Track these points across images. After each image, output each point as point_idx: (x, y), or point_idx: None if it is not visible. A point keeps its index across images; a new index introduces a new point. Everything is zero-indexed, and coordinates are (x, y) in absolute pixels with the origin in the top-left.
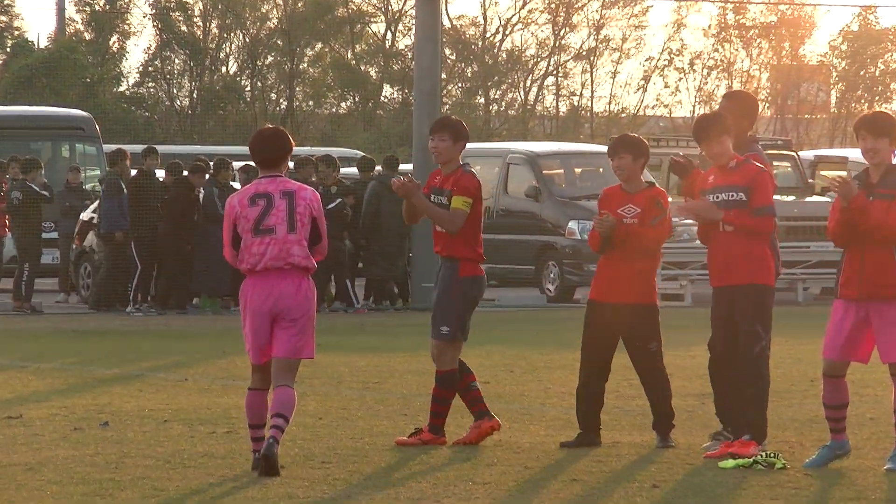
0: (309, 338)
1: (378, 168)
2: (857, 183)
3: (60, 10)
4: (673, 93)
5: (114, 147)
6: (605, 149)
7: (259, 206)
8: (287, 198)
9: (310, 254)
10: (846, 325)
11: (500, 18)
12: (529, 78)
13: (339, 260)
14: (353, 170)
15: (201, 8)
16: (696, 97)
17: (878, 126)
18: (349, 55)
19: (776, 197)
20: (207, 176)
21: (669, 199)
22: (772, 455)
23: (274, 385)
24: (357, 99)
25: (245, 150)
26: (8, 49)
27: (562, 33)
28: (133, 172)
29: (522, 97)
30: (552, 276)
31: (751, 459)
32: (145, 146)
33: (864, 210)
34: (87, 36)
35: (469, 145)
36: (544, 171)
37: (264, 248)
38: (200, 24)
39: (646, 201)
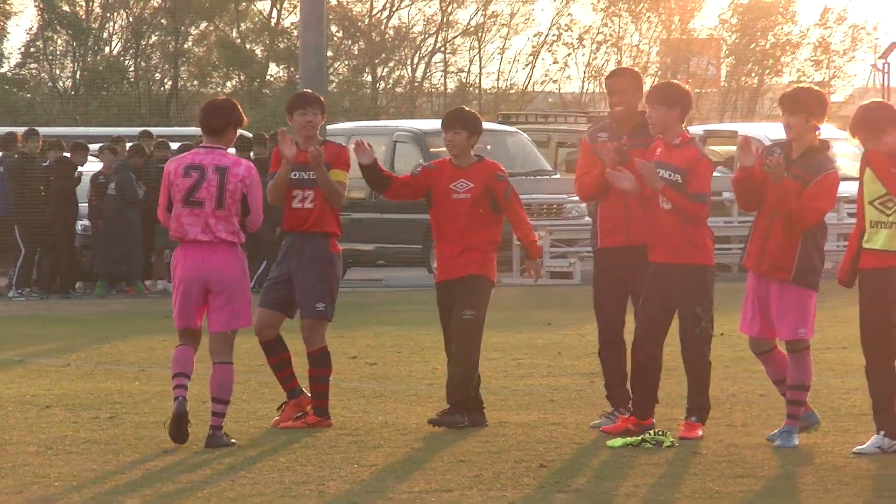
0: (240, 308)
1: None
2: (778, 152)
3: None
4: (562, 68)
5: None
6: (494, 126)
7: (192, 178)
8: (219, 173)
9: (238, 228)
10: (755, 300)
11: None
12: (417, 55)
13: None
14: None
15: None
16: (585, 72)
17: (790, 102)
18: (234, 34)
19: None
20: (121, 161)
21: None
22: (660, 433)
23: (212, 362)
24: (243, 78)
25: (128, 130)
26: None
27: (449, 9)
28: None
29: (410, 74)
30: None
31: (639, 438)
32: (26, 128)
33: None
34: None
35: (356, 123)
36: (431, 149)
37: (193, 219)
38: (83, 3)
39: (482, 176)
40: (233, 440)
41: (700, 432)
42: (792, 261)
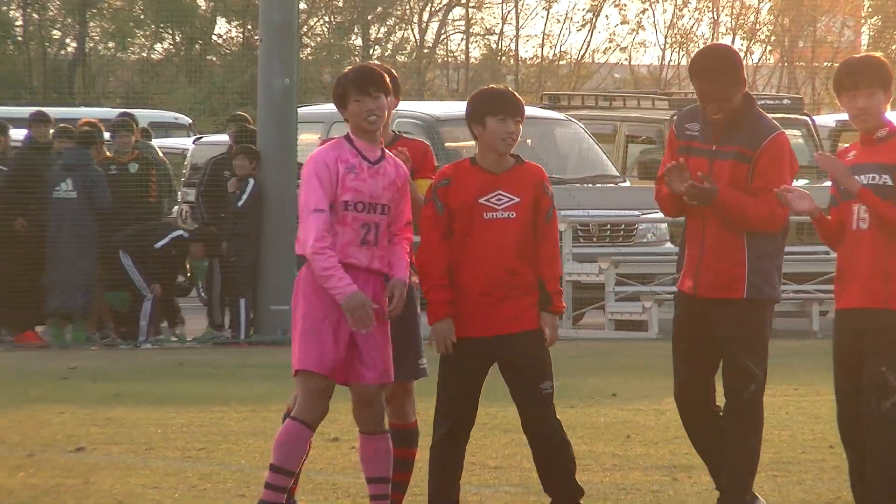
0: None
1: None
2: None
3: None
4: (633, 31)
5: None
6: (537, 112)
7: None
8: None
9: None
10: None
11: None
12: (427, 10)
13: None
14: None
15: None
16: (666, 38)
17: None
18: None
19: None
20: None
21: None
22: None
23: None
24: (179, 39)
25: (13, 110)
26: None
27: None
28: None
29: (417, 37)
30: None
31: None
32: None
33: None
34: None
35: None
36: (447, 144)
37: None
38: None
39: (528, 185)
40: None
41: None
42: None
